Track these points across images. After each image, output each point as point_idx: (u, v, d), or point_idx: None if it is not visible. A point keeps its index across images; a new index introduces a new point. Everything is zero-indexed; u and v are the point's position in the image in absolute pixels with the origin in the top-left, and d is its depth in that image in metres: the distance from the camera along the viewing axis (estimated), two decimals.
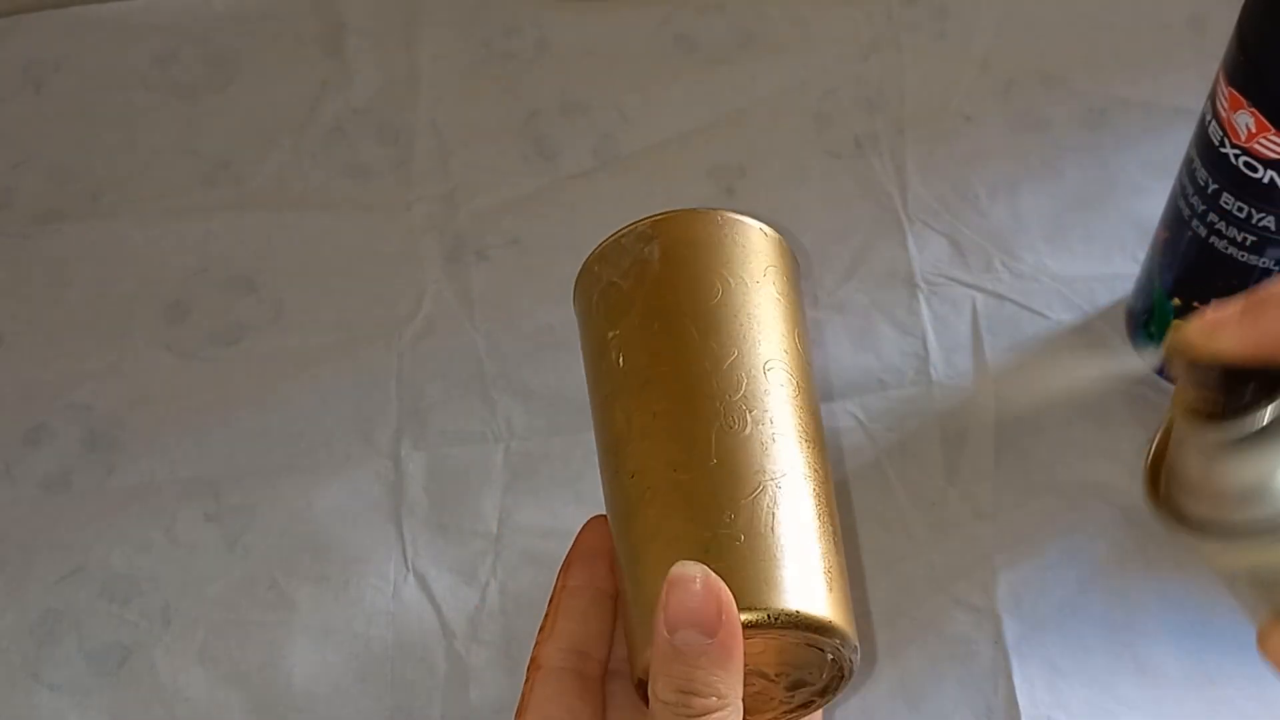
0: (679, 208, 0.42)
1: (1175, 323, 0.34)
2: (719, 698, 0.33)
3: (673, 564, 0.34)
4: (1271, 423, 0.32)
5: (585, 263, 0.43)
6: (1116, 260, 0.62)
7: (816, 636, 0.36)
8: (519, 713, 0.38)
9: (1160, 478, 0.36)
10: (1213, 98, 0.48)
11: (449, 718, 0.51)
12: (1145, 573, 0.53)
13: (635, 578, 0.38)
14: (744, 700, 0.35)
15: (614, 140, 0.67)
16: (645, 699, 0.36)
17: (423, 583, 0.54)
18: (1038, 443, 0.56)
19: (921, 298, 0.61)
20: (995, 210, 0.64)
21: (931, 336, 0.60)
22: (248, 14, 0.73)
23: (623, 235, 0.43)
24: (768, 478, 0.37)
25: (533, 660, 0.39)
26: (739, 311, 0.40)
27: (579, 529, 0.41)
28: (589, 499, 0.56)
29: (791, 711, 0.40)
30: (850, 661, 0.37)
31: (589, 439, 0.57)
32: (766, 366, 0.39)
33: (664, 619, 0.34)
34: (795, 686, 0.39)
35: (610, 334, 0.42)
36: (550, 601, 0.40)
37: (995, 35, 0.71)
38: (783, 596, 0.35)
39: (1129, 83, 0.68)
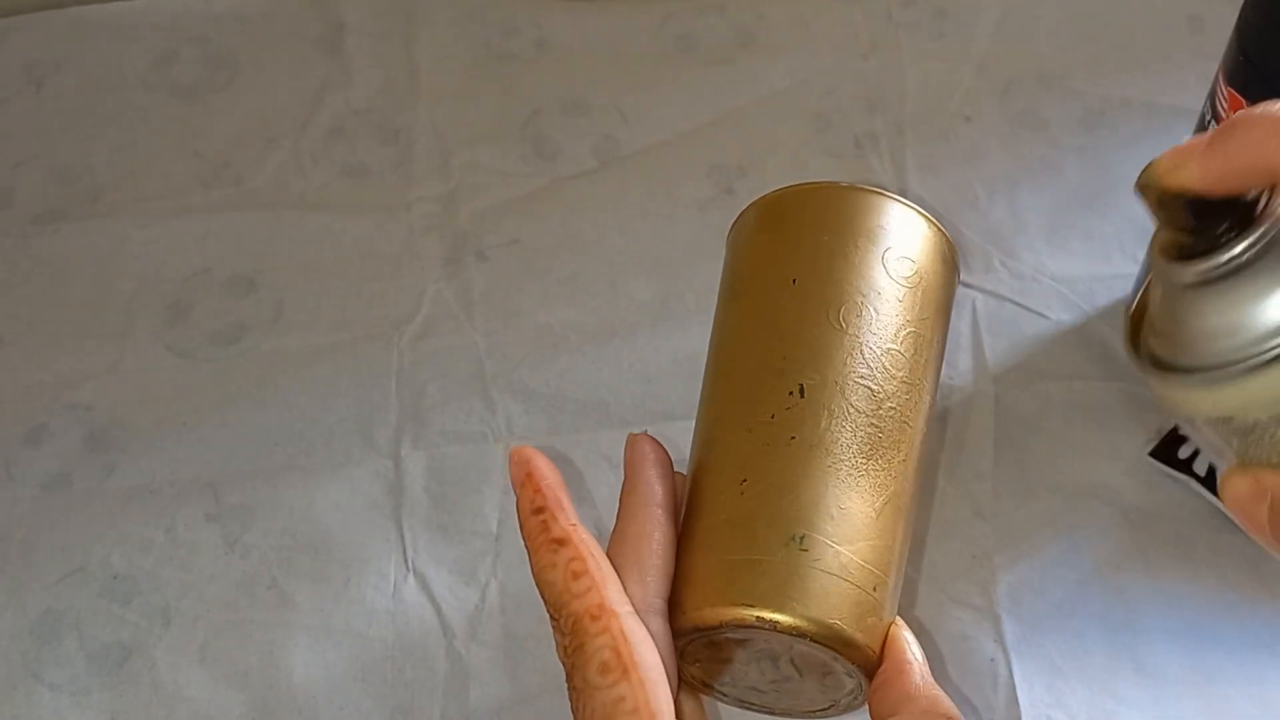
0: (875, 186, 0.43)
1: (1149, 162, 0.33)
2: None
3: (758, 527, 0.36)
4: (1244, 261, 0.31)
5: (788, 192, 0.43)
6: (1116, 260, 0.62)
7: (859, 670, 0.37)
8: (607, 669, 0.33)
9: (1141, 327, 0.35)
10: (1212, 98, 0.48)
11: (449, 718, 0.51)
12: (1145, 573, 0.53)
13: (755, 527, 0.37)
14: (772, 687, 0.38)
15: (614, 140, 0.67)
16: (678, 640, 0.36)
17: (423, 582, 0.54)
18: (1038, 443, 0.56)
19: None
20: (995, 210, 0.64)
21: None
22: (248, 14, 0.73)
23: (818, 189, 0.43)
24: (881, 495, 0.38)
25: (599, 610, 0.34)
26: (901, 310, 0.41)
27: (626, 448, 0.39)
28: (589, 498, 0.56)
29: (823, 710, 0.41)
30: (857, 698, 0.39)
31: (589, 439, 0.57)
32: (907, 378, 0.40)
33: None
34: (823, 688, 0.39)
35: (772, 284, 0.41)
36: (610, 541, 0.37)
37: (994, 35, 0.71)
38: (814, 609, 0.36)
39: (1128, 83, 0.68)
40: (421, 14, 0.72)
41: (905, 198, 0.43)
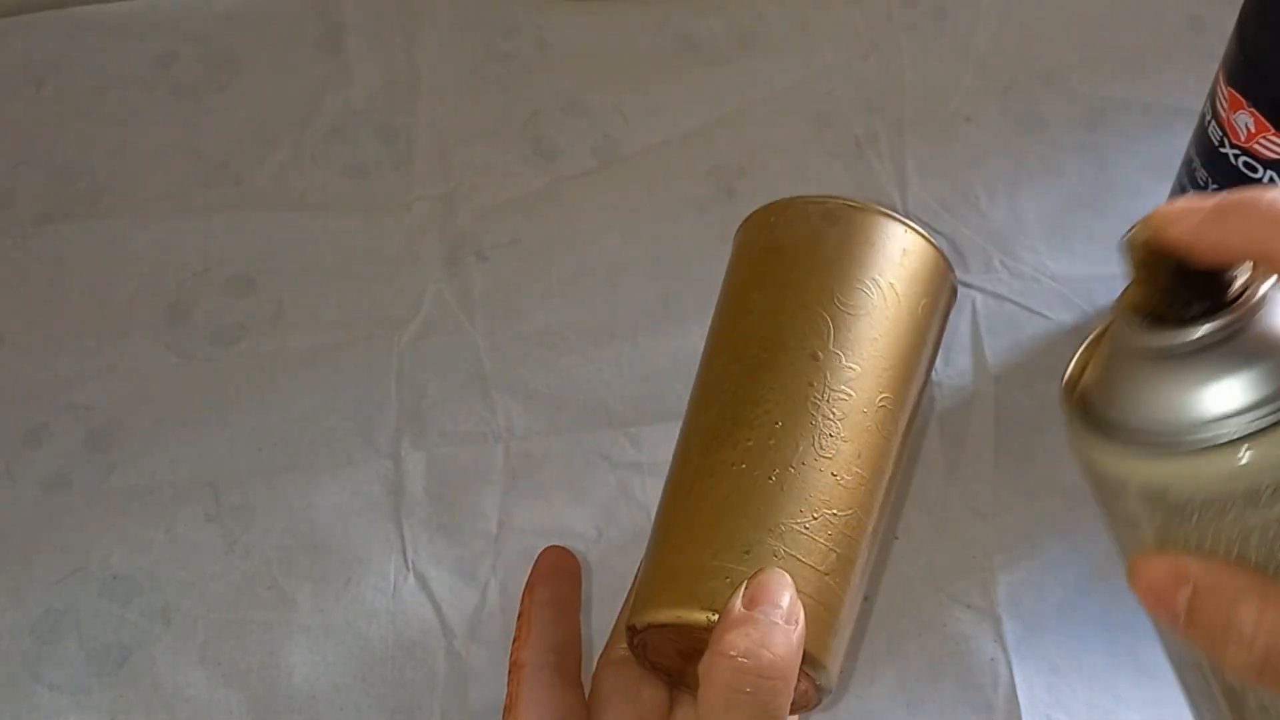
0: (869, 202, 0.42)
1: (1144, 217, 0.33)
2: (785, 663, 0.36)
3: (715, 547, 0.38)
4: (1209, 344, 0.31)
5: (762, 210, 0.43)
6: (1116, 260, 0.61)
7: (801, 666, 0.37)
8: (508, 710, 0.40)
9: (1082, 376, 0.35)
10: (1212, 98, 0.48)
11: (449, 718, 0.51)
12: None
13: (673, 540, 0.39)
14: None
15: (614, 140, 0.67)
16: (633, 646, 0.40)
17: (423, 582, 0.54)
18: (1038, 443, 0.56)
19: None
20: (995, 210, 0.64)
21: None
22: (248, 14, 0.73)
23: (810, 204, 0.42)
24: (830, 511, 0.38)
25: (513, 663, 0.41)
26: (881, 332, 0.40)
27: (540, 554, 0.45)
28: (589, 499, 0.56)
29: None
30: (824, 695, 0.39)
31: (589, 439, 0.57)
32: (879, 402, 0.40)
33: (745, 598, 0.37)
34: None
35: (754, 294, 0.42)
36: (519, 616, 0.43)
37: (994, 35, 0.71)
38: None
39: (1129, 83, 0.68)
40: (421, 14, 0.72)
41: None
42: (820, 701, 0.39)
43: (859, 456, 0.39)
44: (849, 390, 0.39)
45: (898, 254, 0.42)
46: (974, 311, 0.60)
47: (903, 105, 0.68)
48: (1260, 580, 0.30)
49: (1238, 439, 0.30)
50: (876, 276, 0.41)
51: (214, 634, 0.53)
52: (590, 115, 0.68)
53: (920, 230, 0.42)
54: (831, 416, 0.39)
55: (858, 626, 0.52)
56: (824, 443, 0.39)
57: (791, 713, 0.40)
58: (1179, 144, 0.52)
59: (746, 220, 0.44)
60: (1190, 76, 0.67)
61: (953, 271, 0.43)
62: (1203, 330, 0.31)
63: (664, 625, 0.38)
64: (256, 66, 0.71)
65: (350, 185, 0.66)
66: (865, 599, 0.53)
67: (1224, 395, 0.31)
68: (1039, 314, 0.60)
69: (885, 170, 0.65)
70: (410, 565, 0.54)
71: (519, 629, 0.42)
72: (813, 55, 0.70)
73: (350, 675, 0.52)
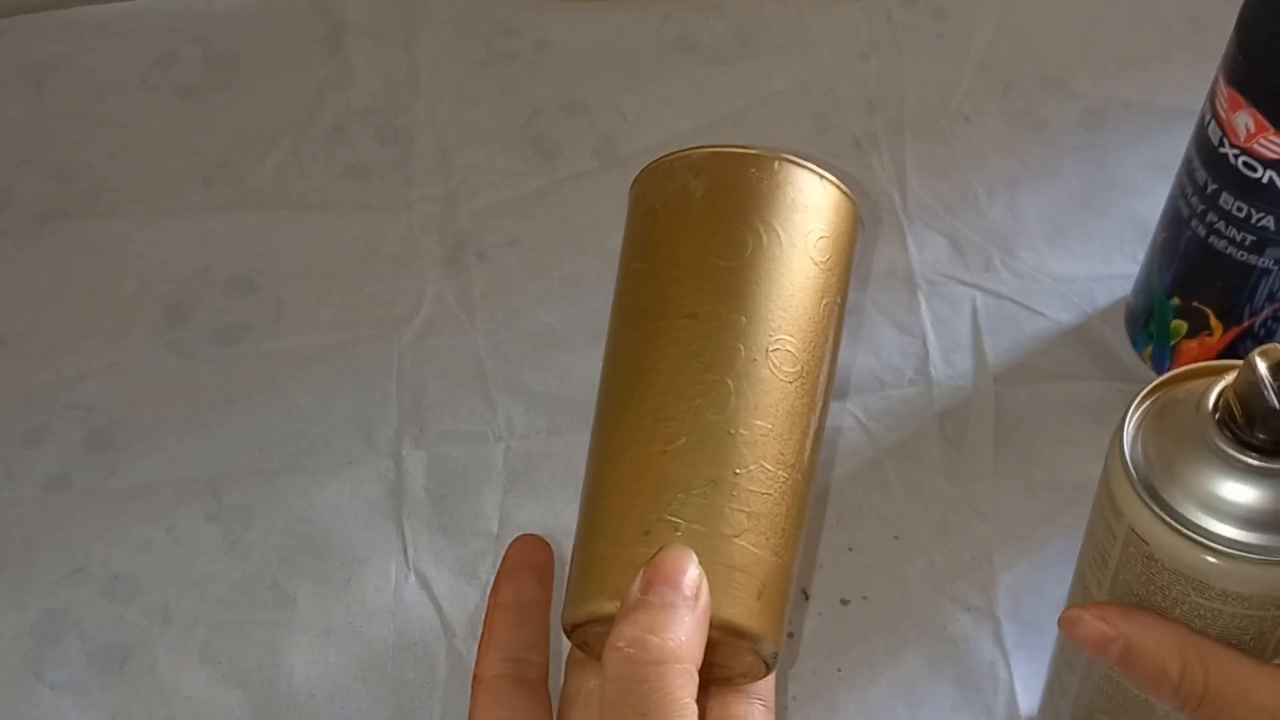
0: (739, 144, 0.39)
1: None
2: (676, 645, 0.34)
3: (616, 533, 0.36)
4: (1253, 470, 0.34)
5: (636, 177, 0.41)
6: (1116, 260, 0.62)
7: (727, 636, 0.36)
8: None
9: (1145, 409, 0.37)
10: (1212, 98, 0.48)
11: (449, 718, 0.51)
12: None
13: (584, 533, 0.38)
14: None
15: (614, 140, 0.67)
16: (577, 646, 0.39)
17: (423, 582, 0.54)
18: (1038, 443, 0.56)
19: (921, 297, 0.61)
20: (995, 210, 0.64)
21: (931, 336, 0.60)
22: (248, 14, 0.73)
23: (675, 159, 0.40)
24: (729, 471, 0.36)
25: (474, 676, 0.40)
26: (763, 275, 0.38)
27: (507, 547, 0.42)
28: None
29: (713, 682, 0.39)
30: (769, 659, 0.37)
31: (589, 439, 0.57)
32: (771, 346, 0.37)
33: (642, 582, 0.35)
34: (716, 666, 0.38)
35: (634, 264, 0.40)
36: (485, 620, 0.41)
37: (994, 36, 0.71)
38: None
39: (1128, 83, 0.69)
40: (421, 14, 0.72)
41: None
42: (771, 667, 0.38)
43: (756, 408, 0.37)
44: (737, 344, 0.37)
45: (771, 191, 0.39)
46: (974, 311, 0.60)
47: (903, 105, 0.68)
48: (1186, 636, 0.36)
49: (1218, 549, 0.34)
50: (751, 219, 0.38)
51: (214, 634, 0.53)
52: (590, 115, 0.68)
53: (796, 160, 0.39)
54: (720, 373, 0.37)
55: (858, 624, 0.52)
56: (715, 400, 0.36)
57: (745, 683, 0.39)
58: (1179, 144, 0.52)
59: (629, 190, 0.42)
60: (1190, 76, 0.67)
61: (847, 194, 0.40)
62: (1258, 461, 0.34)
63: (586, 623, 0.37)
64: (256, 66, 0.71)
65: (350, 185, 0.66)
66: (864, 599, 0.53)
67: (1233, 510, 0.34)
68: (1039, 314, 0.60)
69: (885, 170, 0.65)
70: (411, 565, 0.54)
71: (481, 637, 0.41)
72: (813, 55, 0.70)
73: (350, 675, 0.52)
